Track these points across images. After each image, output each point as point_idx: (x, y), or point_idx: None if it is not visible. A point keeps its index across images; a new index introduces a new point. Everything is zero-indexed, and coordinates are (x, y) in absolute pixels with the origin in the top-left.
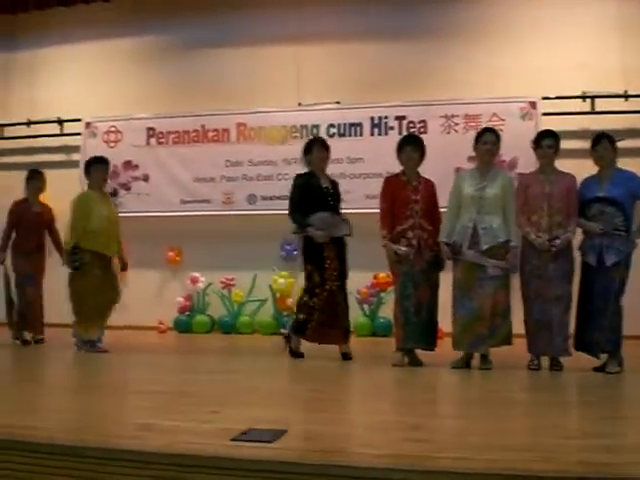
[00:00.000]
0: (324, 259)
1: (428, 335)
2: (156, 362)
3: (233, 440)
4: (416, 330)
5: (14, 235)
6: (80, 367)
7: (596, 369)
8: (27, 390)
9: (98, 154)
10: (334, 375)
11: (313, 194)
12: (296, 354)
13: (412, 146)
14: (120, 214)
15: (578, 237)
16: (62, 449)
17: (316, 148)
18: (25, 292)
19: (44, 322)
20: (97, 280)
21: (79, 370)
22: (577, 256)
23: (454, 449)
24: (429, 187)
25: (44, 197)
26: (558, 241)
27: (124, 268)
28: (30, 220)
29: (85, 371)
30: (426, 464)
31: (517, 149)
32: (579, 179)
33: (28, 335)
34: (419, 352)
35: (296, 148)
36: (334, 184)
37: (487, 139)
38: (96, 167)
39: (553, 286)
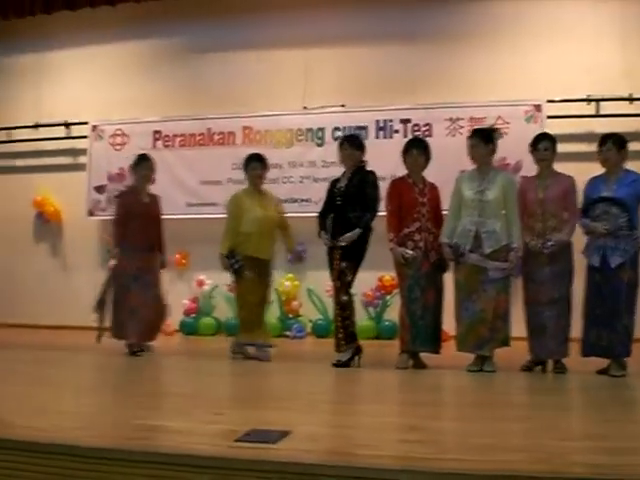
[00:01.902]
0: (332, 261)
1: (434, 338)
2: (162, 364)
3: (237, 441)
4: (422, 333)
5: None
6: (82, 370)
7: (599, 372)
8: (39, 392)
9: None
10: (337, 378)
11: (329, 197)
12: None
13: (418, 149)
14: None
15: (583, 239)
16: (64, 449)
17: (341, 147)
18: (127, 296)
19: (152, 329)
20: (249, 283)
21: (80, 373)
22: (582, 258)
23: (455, 451)
24: (434, 190)
25: (48, 200)
26: (550, 243)
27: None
28: (138, 212)
29: (89, 374)
30: (427, 465)
31: (522, 152)
32: (584, 182)
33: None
34: (423, 355)
35: (301, 151)
36: (360, 181)
37: (473, 142)
38: (253, 165)
39: (547, 289)
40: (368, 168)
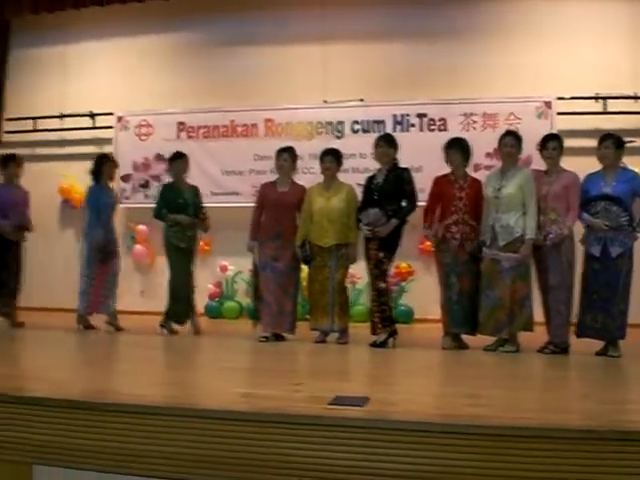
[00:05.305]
0: (368, 251)
1: (469, 321)
2: (215, 344)
3: (330, 404)
4: (458, 316)
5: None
6: (161, 349)
7: (598, 353)
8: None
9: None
10: (381, 357)
11: (367, 192)
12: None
13: (453, 149)
14: (150, 205)
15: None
16: (187, 412)
17: (378, 144)
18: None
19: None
20: (314, 271)
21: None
22: (580, 247)
23: (511, 412)
24: (475, 185)
25: (74, 187)
26: (551, 235)
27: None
28: (272, 202)
29: (167, 352)
30: (492, 422)
31: (532, 147)
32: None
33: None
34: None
35: (322, 143)
36: (396, 177)
37: (507, 142)
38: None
39: (548, 277)
40: (402, 165)
